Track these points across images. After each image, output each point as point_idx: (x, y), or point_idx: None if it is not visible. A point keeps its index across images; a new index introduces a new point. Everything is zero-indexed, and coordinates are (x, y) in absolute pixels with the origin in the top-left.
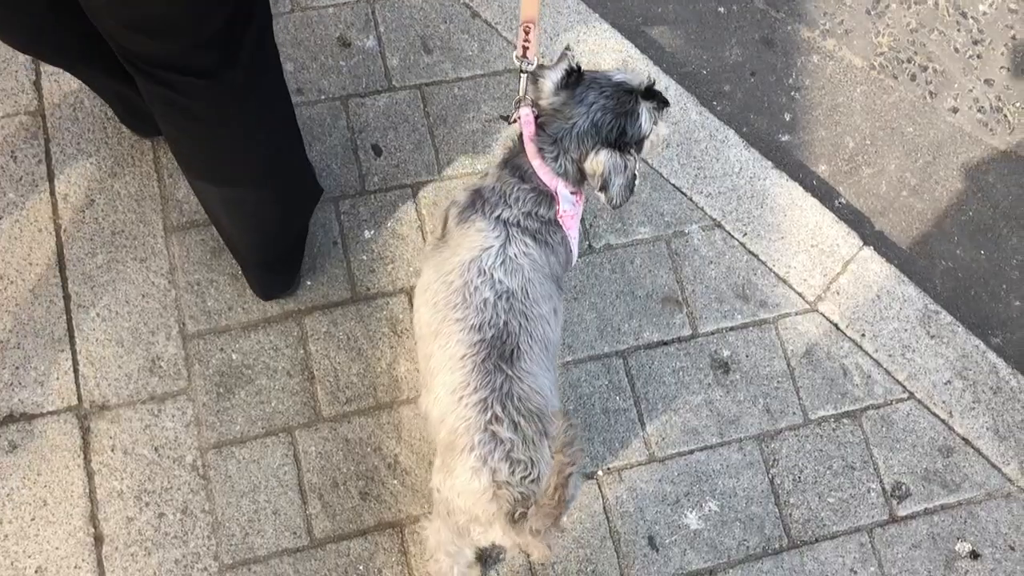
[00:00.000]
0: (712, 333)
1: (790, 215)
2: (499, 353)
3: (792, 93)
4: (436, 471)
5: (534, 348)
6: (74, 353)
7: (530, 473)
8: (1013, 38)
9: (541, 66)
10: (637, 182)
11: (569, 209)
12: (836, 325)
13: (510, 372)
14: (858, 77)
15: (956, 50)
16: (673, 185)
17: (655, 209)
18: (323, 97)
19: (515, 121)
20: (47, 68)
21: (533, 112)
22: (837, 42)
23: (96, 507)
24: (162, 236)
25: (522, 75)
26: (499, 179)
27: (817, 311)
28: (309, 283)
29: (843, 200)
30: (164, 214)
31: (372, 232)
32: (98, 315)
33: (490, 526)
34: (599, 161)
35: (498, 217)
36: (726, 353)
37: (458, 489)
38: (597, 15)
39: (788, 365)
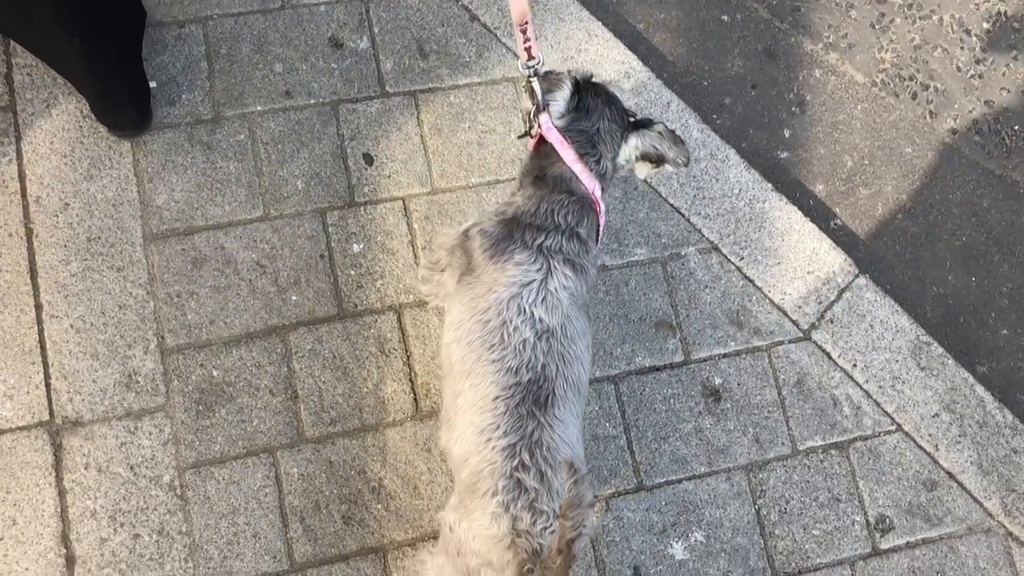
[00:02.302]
0: (705, 360)
1: (788, 240)
2: (534, 398)
3: (793, 108)
4: (451, 509)
5: (568, 394)
6: (46, 366)
7: (550, 525)
8: (1015, 58)
9: (548, 78)
10: (677, 132)
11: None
12: (828, 354)
13: (542, 419)
14: (859, 94)
15: (958, 68)
16: (671, 205)
17: (652, 230)
18: (313, 101)
19: (534, 133)
20: (19, 59)
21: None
22: (840, 56)
23: (68, 527)
24: (140, 244)
25: (533, 80)
26: (538, 198)
27: (810, 339)
28: (294, 298)
29: (839, 222)
30: (143, 221)
31: (361, 246)
32: (71, 326)
33: (501, 572)
34: (635, 145)
35: (540, 246)
36: (718, 381)
37: (475, 532)
38: (599, 23)
39: (779, 394)
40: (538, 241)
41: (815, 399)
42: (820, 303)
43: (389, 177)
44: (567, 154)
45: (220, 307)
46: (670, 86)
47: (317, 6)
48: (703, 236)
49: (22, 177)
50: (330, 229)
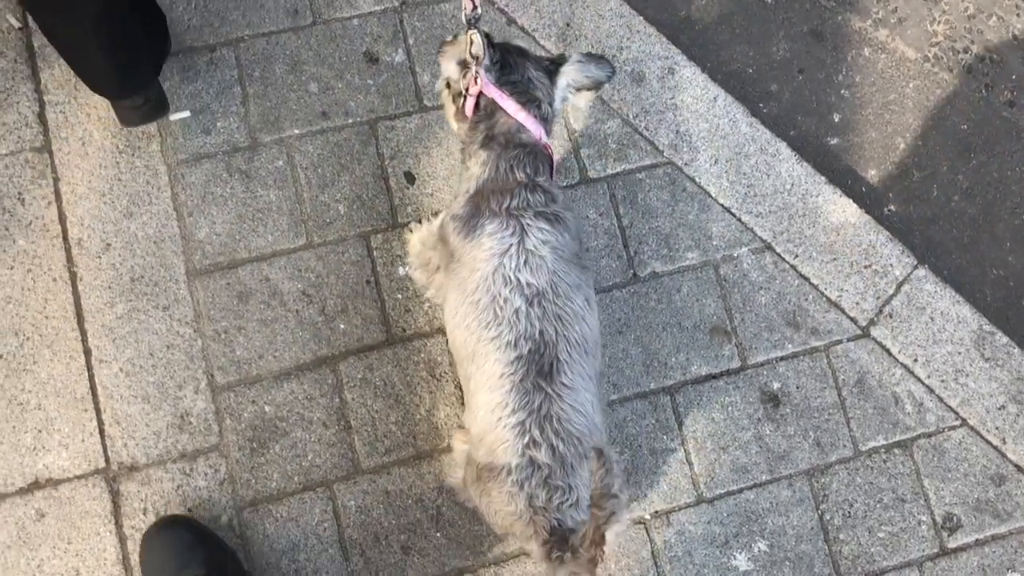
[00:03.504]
0: (762, 364)
1: (843, 234)
2: (538, 369)
3: (842, 91)
4: (470, 482)
5: (573, 355)
6: (98, 412)
7: (568, 499)
8: None
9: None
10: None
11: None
12: (888, 350)
13: (549, 390)
14: (911, 71)
15: (1014, 37)
16: (722, 205)
17: (703, 232)
18: (350, 121)
19: (472, 92)
20: (51, 97)
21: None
22: (890, 32)
23: (131, 574)
24: (185, 281)
25: (474, 32)
26: (494, 159)
27: (870, 336)
28: (343, 326)
29: (892, 207)
30: (186, 257)
31: (407, 269)
32: (121, 370)
33: (527, 542)
34: (567, 83)
35: (507, 209)
36: (776, 385)
37: (495, 508)
38: (641, 18)
39: (839, 395)
40: (504, 204)
41: (876, 398)
42: (878, 298)
43: (432, 195)
44: (510, 105)
45: (268, 341)
46: (714, 77)
47: (350, 20)
48: (756, 235)
49: (63, 219)
50: (375, 253)
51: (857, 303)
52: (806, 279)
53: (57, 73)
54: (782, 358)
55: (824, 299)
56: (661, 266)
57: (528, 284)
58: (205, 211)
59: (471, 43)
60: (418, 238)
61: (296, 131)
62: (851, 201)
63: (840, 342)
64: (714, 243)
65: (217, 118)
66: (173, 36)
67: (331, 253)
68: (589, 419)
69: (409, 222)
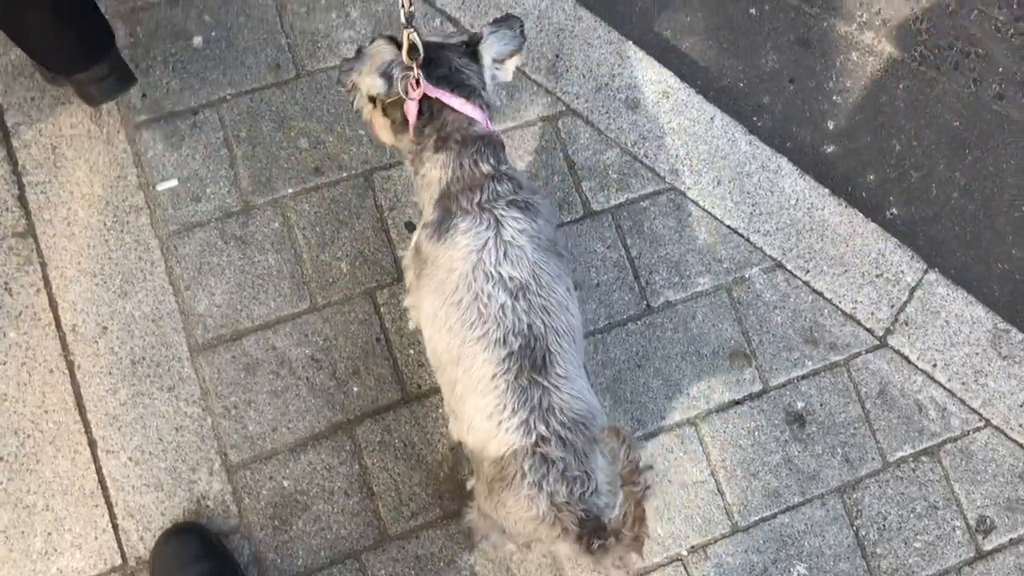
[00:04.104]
0: (784, 385)
1: (852, 245)
2: (531, 364)
3: (834, 97)
4: (482, 497)
5: (563, 345)
6: (110, 507)
7: (588, 487)
8: None
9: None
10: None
11: None
12: (907, 358)
13: (546, 383)
14: (900, 71)
15: (997, 29)
16: (728, 227)
17: (712, 255)
18: (345, 175)
19: (413, 95)
20: (30, 178)
21: None
22: (875, 34)
23: None
24: (188, 358)
25: (412, 32)
26: (454, 158)
27: (887, 345)
28: (356, 389)
29: (894, 211)
30: (187, 333)
31: (416, 322)
32: (130, 459)
33: (553, 543)
34: (490, 61)
35: (478, 203)
36: (800, 405)
37: (514, 518)
38: (630, 43)
39: (863, 408)
40: (475, 200)
41: (899, 407)
42: (892, 306)
43: None
44: (456, 101)
45: (281, 412)
46: (705, 94)
47: (334, 70)
48: (765, 254)
49: (54, 306)
50: (382, 309)
51: (872, 313)
52: (819, 294)
53: (35, 152)
54: (803, 376)
55: (839, 312)
56: (674, 294)
57: (511, 277)
58: (203, 283)
59: (407, 44)
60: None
61: (290, 190)
62: (856, 211)
63: (859, 354)
64: (725, 266)
65: (206, 184)
66: (151, 101)
67: (337, 314)
68: (589, 404)
69: None
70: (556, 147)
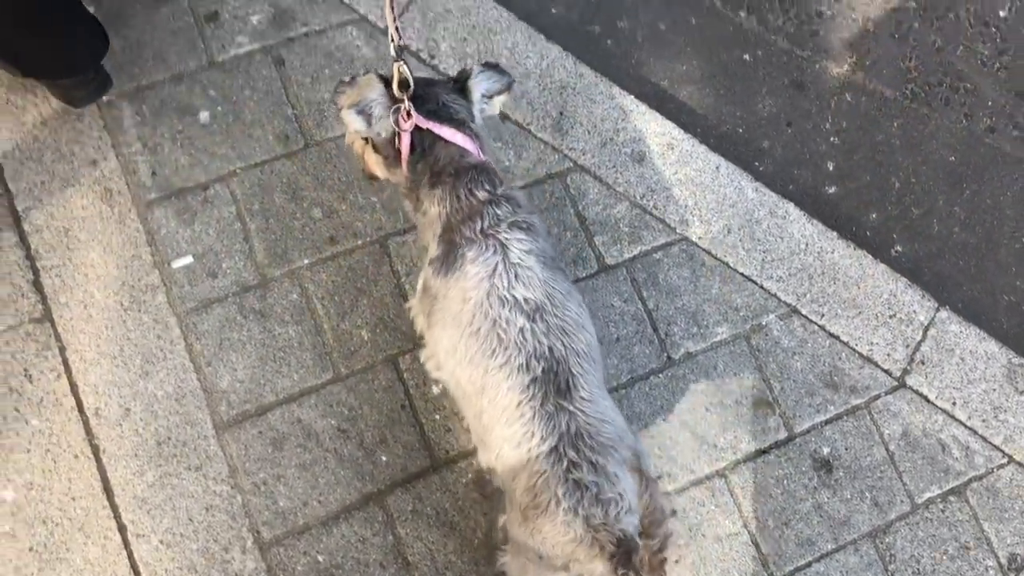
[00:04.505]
0: (808, 431)
1: (863, 286)
2: (555, 389)
3: (831, 139)
4: (515, 525)
5: (584, 366)
6: None
7: (622, 506)
8: None
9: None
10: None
11: None
12: (926, 398)
13: (572, 408)
14: (893, 110)
15: (983, 63)
16: (742, 275)
17: (728, 304)
18: (360, 242)
19: (406, 127)
20: (44, 263)
21: None
22: (866, 75)
23: None
24: (213, 436)
25: (402, 65)
26: (450, 191)
27: (906, 386)
28: (384, 458)
29: (898, 248)
30: (211, 410)
31: (440, 387)
32: (161, 542)
33: (590, 563)
34: (479, 96)
35: (481, 231)
36: (826, 450)
37: (551, 541)
38: (632, 97)
39: (887, 450)
40: (477, 228)
41: (923, 447)
42: (908, 346)
43: None
44: (447, 132)
45: (310, 485)
46: (706, 141)
47: (342, 138)
48: (780, 300)
49: (75, 391)
50: (405, 375)
51: (888, 354)
52: (836, 337)
53: (47, 236)
54: (827, 421)
55: (856, 355)
56: (693, 345)
57: (526, 299)
58: (224, 358)
59: (398, 78)
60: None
61: (306, 261)
62: (865, 253)
63: (879, 396)
64: (741, 314)
65: (222, 259)
66: (161, 178)
67: (361, 383)
68: (615, 425)
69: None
70: (566, 203)
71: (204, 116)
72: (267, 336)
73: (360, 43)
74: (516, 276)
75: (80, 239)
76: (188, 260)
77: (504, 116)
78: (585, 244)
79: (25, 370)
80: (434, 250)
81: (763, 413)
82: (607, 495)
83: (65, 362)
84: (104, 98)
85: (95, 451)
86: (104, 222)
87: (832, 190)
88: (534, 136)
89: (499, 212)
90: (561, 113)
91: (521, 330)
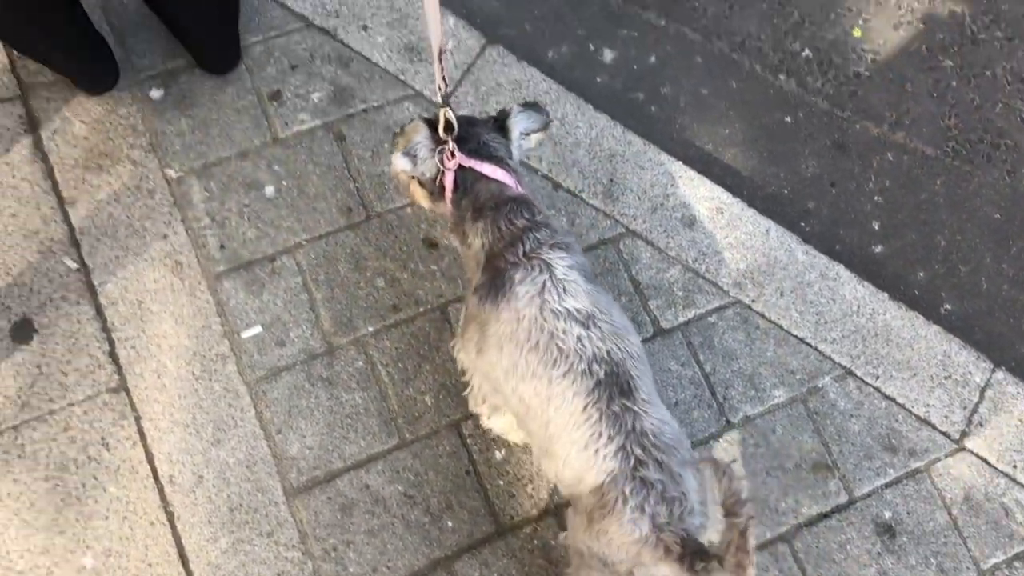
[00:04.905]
0: (869, 495)
1: (917, 348)
2: (619, 390)
3: (875, 198)
4: (579, 532)
5: (639, 367)
6: None
7: (685, 507)
8: None
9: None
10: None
11: None
12: (986, 460)
13: (635, 408)
14: (935, 168)
15: (1022, 120)
16: (797, 337)
17: (784, 367)
18: (422, 309)
19: (451, 166)
20: (119, 334)
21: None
22: (907, 134)
23: None
24: (284, 503)
25: (448, 111)
26: (491, 223)
27: (965, 449)
28: (450, 524)
29: (948, 307)
30: (281, 476)
31: (503, 452)
32: None
33: (656, 565)
34: (518, 134)
35: (524, 254)
36: (888, 515)
37: (617, 543)
38: (680, 164)
39: (950, 515)
40: (520, 252)
41: (986, 512)
42: (965, 408)
43: None
44: (487, 168)
45: (379, 551)
46: (752, 203)
47: (402, 209)
48: (835, 363)
49: (150, 459)
50: (468, 441)
51: (946, 416)
52: (892, 399)
53: (122, 309)
54: (887, 485)
55: (913, 417)
56: (751, 408)
57: (577, 310)
58: (293, 426)
59: (443, 121)
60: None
61: (370, 328)
62: (917, 314)
63: (939, 459)
64: (797, 377)
65: (289, 328)
66: (230, 251)
67: (425, 448)
68: (673, 428)
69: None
70: (620, 268)
71: (269, 190)
72: (334, 403)
73: (416, 117)
74: (564, 290)
75: (153, 311)
76: (257, 330)
77: (556, 184)
78: (640, 308)
79: (103, 438)
80: (478, 279)
81: (823, 476)
82: (671, 493)
83: (140, 431)
84: (173, 174)
85: (170, 518)
86: (175, 294)
87: (878, 249)
88: (586, 203)
89: (539, 236)
90: (611, 180)
91: (579, 338)
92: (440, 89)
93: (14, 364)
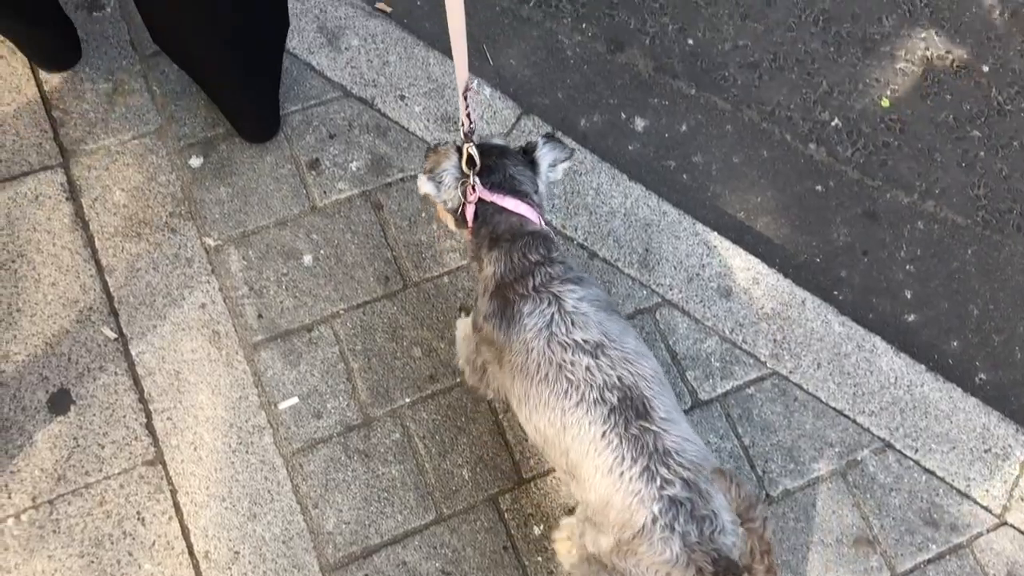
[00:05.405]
0: (911, 571)
1: (955, 420)
2: (635, 413)
3: (907, 267)
4: (610, 554)
5: (656, 389)
6: None
7: (715, 525)
8: None
9: (436, 150)
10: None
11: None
12: None
13: (654, 428)
14: (966, 237)
15: None
16: (835, 409)
17: (823, 439)
18: (458, 380)
19: (472, 199)
20: (156, 405)
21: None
22: (936, 203)
23: None
24: None
25: (471, 147)
26: (505, 254)
27: (1007, 523)
28: None
29: (982, 376)
30: (318, 552)
31: (541, 527)
32: None
33: None
34: (545, 168)
35: (534, 288)
36: None
37: (647, 563)
38: (715, 234)
39: None
40: (530, 285)
41: None
42: (1005, 482)
43: None
44: (510, 202)
45: None
46: (784, 272)
47: (439, 278)
48: (874, 435)
49: (186, 534)
50: (506, 516)
51: (987, 490)
52: (932, 473)
53: (159, 379)
54: (929, 560)
55: (954, 491)
56: (791, 482)
57: (585, 340)
58: (329, 499)
59: (466, 156)
60: (462, 333)
61: (407, 399)
62: (955, 386)
63: (981, 535)
64: (836, 450)
65: (326, 399)
66: (267, 320)
67: (463, 523)
68: (698, 445)
69: (531, 476)
70: (657, 338)
71: (307, 259)
72: (371, 476)
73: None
74: (572, 323)
75: (190, 381)
76: (294, 401)
77: (592, 253)
78: (678, 379)
79: (138, 513)
80: (484, 306)
81: (864, 552)
82: (701, 512)
83: (176, 504)
84: (212, 243)
85: None
86: (212, 364)
87: (911, 318)
88: (622, 272)
89: (551, 271)
90: (647, 249)
91: (587, 368)
92: (463, 125)
93: (51, 436)
